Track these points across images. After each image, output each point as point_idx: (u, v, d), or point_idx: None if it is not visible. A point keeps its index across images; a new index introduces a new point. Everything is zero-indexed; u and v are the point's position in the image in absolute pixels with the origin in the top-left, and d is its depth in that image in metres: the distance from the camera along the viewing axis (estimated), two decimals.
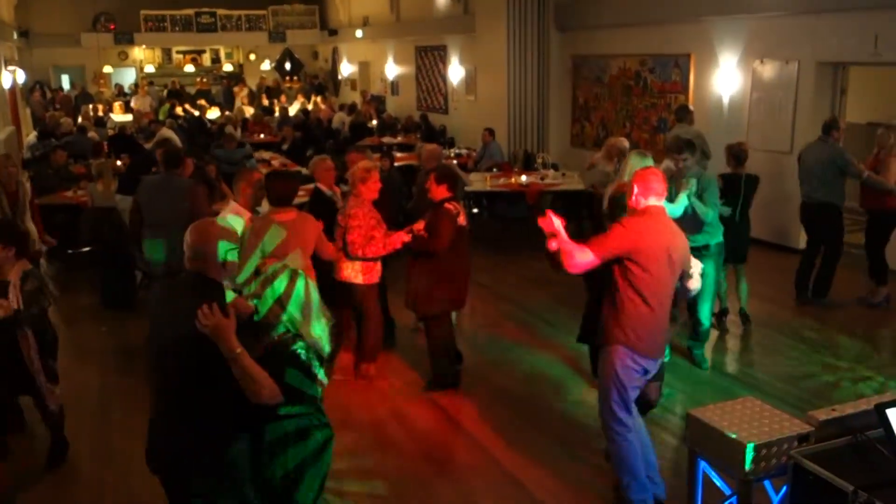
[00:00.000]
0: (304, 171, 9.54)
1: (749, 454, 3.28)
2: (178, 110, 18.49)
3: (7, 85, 14.88)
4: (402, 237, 5.45)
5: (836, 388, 5.67)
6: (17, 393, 4.75)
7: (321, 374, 2.98)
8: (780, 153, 9.14)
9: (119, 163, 10.90)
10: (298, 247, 4.90)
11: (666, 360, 4.66)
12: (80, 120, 15.98)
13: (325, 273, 5.44)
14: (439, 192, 5.44)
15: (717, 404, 3.72)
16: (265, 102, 20.73)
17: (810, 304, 7.36)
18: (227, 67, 25.16)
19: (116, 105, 19.36)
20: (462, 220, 5.50)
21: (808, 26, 8.76)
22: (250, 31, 24.17)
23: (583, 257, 3.71)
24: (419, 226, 5.46)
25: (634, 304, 3.80)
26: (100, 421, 5.39)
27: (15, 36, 18.68)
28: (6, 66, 15.15)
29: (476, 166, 11.70)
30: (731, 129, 9.53)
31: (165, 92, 21.91)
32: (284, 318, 2.85)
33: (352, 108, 17.12)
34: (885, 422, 2.86)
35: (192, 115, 17.66)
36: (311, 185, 6.60)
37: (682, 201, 5.47)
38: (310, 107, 19.07)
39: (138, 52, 24.84)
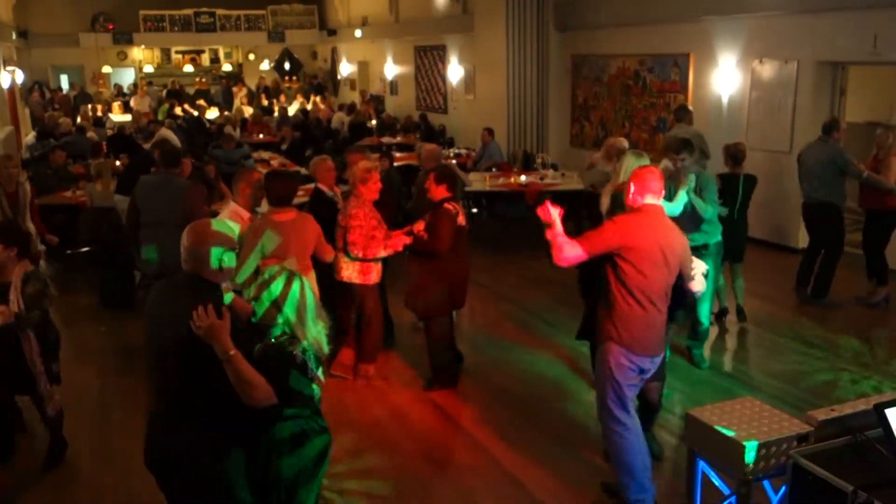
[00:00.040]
0: (304, 171, 9.55)
1: (748, 454, 3.28)
2: (177, 110, 18.48)
3: (6, 85, 14.88)
4: (404, 239, 5.45)
5: (835, 387, 5.67)
6: (16, 393, 4.75)
7: (319, 372, 2.99)
8: (780, 153, 9.15)
9: (118, 163, 10.90)
10: (298, 247, 4.91)
11: (667, 356, 4.65)
12: (78, 120, 15.97)
13: (325, 273, 5.45)
14: (439, 192, 5.44)
15: (716, 404, 3.73)
16: (264, 102, 20.73)
17: (810, 304, 7.36)
18: (227, 67, 25.14)
19: (115, 105, 19.34)
20: (461, 219, 5.50)
21: (807, 26, 8.77)
22: (249, 31, 24.16)
23: (571, 251, 3.74)
24: (419, 226, 5.46)
25: (627, 302, 3.80)
26: (99, 421, 5.39)
27: (14, 36, 18.67)
28: (5, 66, 15.14)
29: (475, 166, 11.70)
30: (731, 129, 9.53)
31: (164, 92, 21.90)
32: (280, 319, 2.87)
33: (351, 108, 17.12)
34: (885, 422, 2.87)
35: (191, 115, 17.65)
36: (311, 185, 6.60)
37: (682, 198, 5.46)
38: (309, 107, 19.07)
39: (137, 52, 24.82)
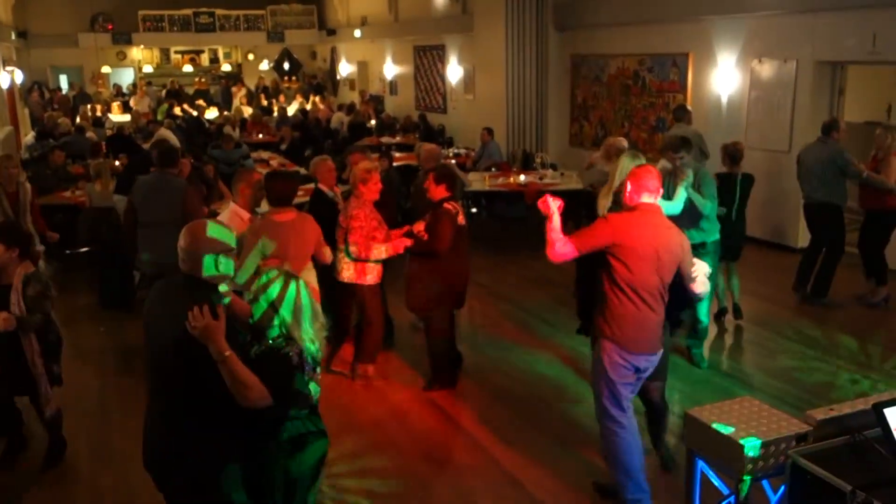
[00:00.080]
0: (303, 171, 9.56)
1: (747, 454, 3.28)
2: (177, 110, 18.48)
3: (5, 85, 14.88)
4: (405, 241, 5.45)
5: (834, 387, 5.68)
6: (16, 394, 4.74)
7: (317, 371, 3.01)
8: (779, 152, 9.15)
9: (117, 163, 10.89)
10: (298, 247, 4.91)
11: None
12: (78, 120, 15.97)
13: (327, 273, 5.45)
14: (438, 191, 5.44)
15: (715, 404, 3.72)
16: (263, 102, 20.73)
17: (809, 304, 7.37)
18: (226, 67, 25.14)
19: (115, 105, 19.33)
20: (461, 219, 5.50)
21: (806, 25, 8.77)
22: (249, 31, 24.17)
23: (563, 248, 3.77)
24: (419, 226, 5.46)
25: (620, 300, 3.81)
26: (99, 421, 5.39)
27: (13, 36, 18.68)
28: (4, 66, 15.14)
29: (475, 166, 11.70)
30: (730, 129, 9.54)
31: (164, 92, 21.89)
32: (277, 321, 2.89)
33: (350, 108, 17.12)
34: (883, 421, 2.87)
35: (191, 115, 17.65)
36: (311, 185, 6.59)
37: (682, 195, 5.47)
38: (308, 107, 19.07)
39: (136, 53, 24.82)
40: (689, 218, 5.55)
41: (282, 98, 20.27)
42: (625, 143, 6.79)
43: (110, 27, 23.11)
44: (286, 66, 23.54)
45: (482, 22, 13.53)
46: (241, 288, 3.98)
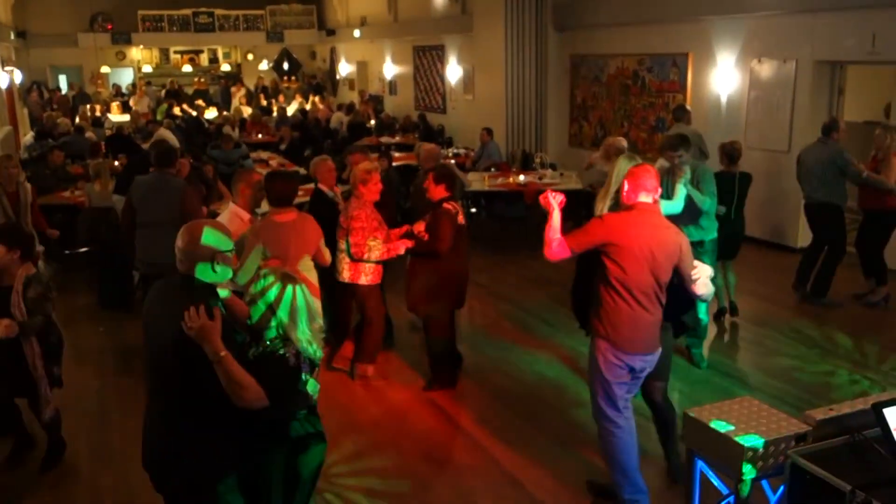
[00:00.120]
0: (302, 171, 9.56)
1: (747, 454, 3.28)
2: (176, 110, 18.47)
3: (4, 85, 14.86)
4: (405, 243, 5.45)
5: (833, 387, 5.68)
6: (16, 396, 4.73)
7: (315, 372, 3.01)
8: (778, 152, 9.16)
9: (116, 163, 10.90)
10: (299, 247, 4.90)
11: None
12: (77, 120, 15.96)
13: (327, 273, 5.45)
14: (438, 191, 5.44)
15: (714, 404, 3.72)
16: (263, 102, 20.73)
17: (809, 304, 7.37)
18: (225, 67, 25.14)
19: (114, 105, 19.33)
20: (461, 219, 5.50)
21: (805, 25, 8.77)
22: (248, 31, 24.16)
23: (558, 248, 3.80)
24: (419, 227, 5.47)
25: (614, 300, 3.82)
26: (98, 421, 5.39)
27: (12, 36, 18.66)
28: (3, 66, 15.12)
29: (474, 166, 11.71)
30: (729, 129, 9.54)
31: (163, 92, 21.89)
32: (274, 322, 2.89)
33: (350, 108, 17.12)
34: (883, 421, 2.87)
35: (190, 115, 17.64)
36: (311, 185, 6.59)
37: (682, 193, 5.47)
38: (308, 107, 19.07)
39: (136, 52, 24.81)
40: (688, 214, 5.55)
41: (281, 98, 20.26)
42: (624, 143, 6.80)
43: (109, 27, 23.11)
44: (285, 66, 23.54)
45: (481, 22, 13.53)
46: (242, 289, 3.98)
